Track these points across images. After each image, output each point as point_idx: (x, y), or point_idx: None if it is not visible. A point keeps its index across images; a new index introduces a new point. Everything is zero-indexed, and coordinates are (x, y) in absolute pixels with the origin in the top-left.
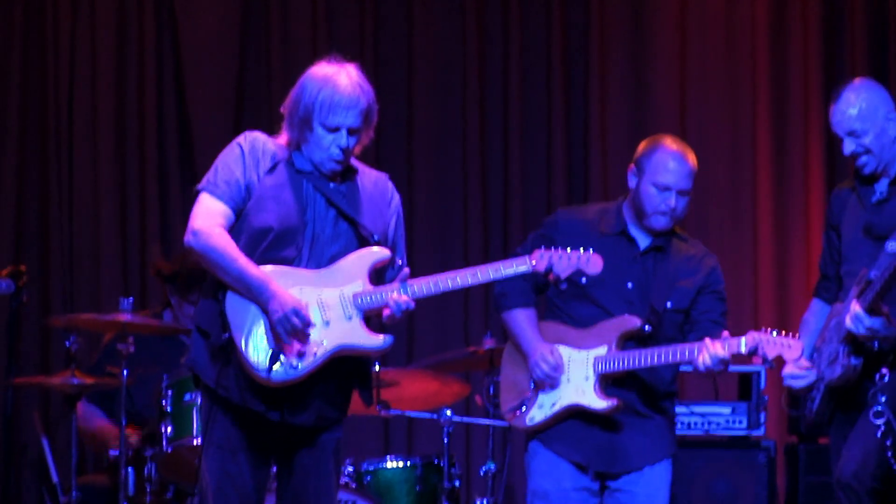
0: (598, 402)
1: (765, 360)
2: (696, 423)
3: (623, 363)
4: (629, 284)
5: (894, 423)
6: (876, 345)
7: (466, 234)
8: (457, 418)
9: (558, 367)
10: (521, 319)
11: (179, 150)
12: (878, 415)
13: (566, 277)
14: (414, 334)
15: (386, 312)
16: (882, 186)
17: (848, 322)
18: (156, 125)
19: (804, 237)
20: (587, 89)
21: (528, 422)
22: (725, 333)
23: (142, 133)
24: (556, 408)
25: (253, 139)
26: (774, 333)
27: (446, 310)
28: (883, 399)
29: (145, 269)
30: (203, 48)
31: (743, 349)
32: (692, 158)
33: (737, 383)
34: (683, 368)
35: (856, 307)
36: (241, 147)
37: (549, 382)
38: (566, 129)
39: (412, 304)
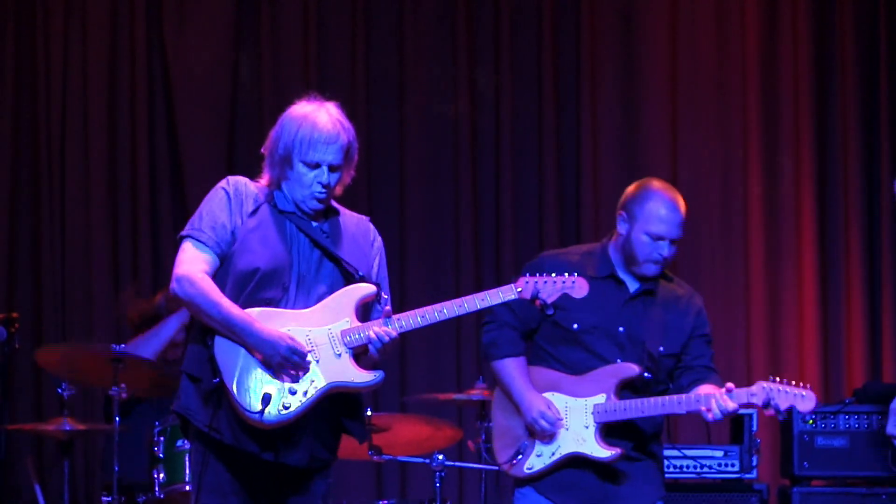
0: (602, 452)
1: (778, 412)
2: (688, 467)
3: (625, 412)
4: (620, 329)
5: None
6: None
7: (458, 270)
8: (449, 463)
9: (557, 422)
10: (512, 369)
11: (171, 189)
12: None
13: (553, 302)
14: (406, 380)
15: (369, 342)
16: None
17: None
18: (148, 164)
19: (796, 274)
20: (578, 125)
21: (526, 470)
22: (730, 385)
23: (134, 172)
24: (556, 457)
25: (235, 182)
26: (783, 384)
27: (438, 355)
28: None
29: None
30: (195, 88)
31: (757, 402)
32: (683, 206)
33: (729, 426)
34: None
35: None
36: (225, 191)
37: (548, 436)
38: (557, 165)
39: (395, 335)
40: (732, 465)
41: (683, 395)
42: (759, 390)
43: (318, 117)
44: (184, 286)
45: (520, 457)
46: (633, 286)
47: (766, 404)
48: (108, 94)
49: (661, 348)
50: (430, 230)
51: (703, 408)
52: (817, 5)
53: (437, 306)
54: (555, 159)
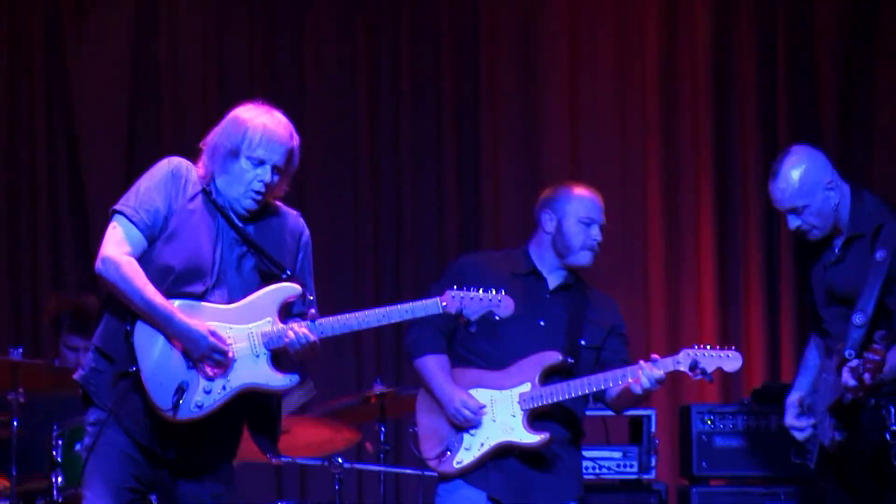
0: (529, 437)
1: (704, 374)
2: (587, 467)
3: (551, 395)
4: (541, 322)
5: None
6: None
7: (356, 278)
8: (348, 464)
9: (479, 410)
10: (433, 366)
11: (70, 195)
12: None
13: (476, 319)
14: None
15: (287, 342)
16: (836, 246)
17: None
18: (46, 169)
19: (695, 278)
20: (478, 133)
21: (455, 465)
22: (655, 355)
23: (33, 179)
24: (485, 448)
25: (178, 165)
26: (709, 347)
27: (338, 356)
28: None
29: (38, 318)
30: (94, 95)
31: (683, 368)
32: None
33: (627, 426)
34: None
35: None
36: (165, 171)
37: (471, 425)
38: (458, 175)
39: (315, 339)
40: (631, 466)
41: (609, 372)
42: (685, 357)
43: (271, 117)
44: (109, 269)
45: (448, 453)
46: (553, 282)
47: (693, 367)
48: (6, 93)
49: (583, 340)
50: (330, 241)
51: (632, 379)
52: (717, 15)
53: (360, 314)
54: (455, 170)
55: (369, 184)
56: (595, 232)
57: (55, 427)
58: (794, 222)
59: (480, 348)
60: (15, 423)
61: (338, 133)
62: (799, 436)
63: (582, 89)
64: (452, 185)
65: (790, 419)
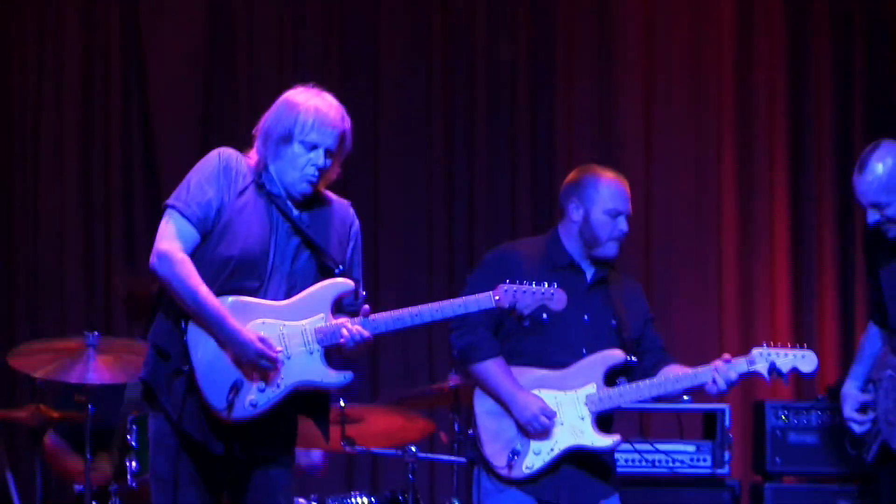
0: (602, 441)
1: (780, 375)
2: (660, 462)
3: (621, 398)
4: (585, 317)
5: None
6: None
7: (430, 266)
8: (421, 455)
9: (553, 416)
10: (496, 371)
11: (145, 174)
12: None
13: (529, 314)
14: (379, 371)
15: (342, 342)
16: None
17: None
18: (120, 147)
19: (769, 274)
20: (553, 123)
21: (525, 470)
22: (727, 355)
23: (107, 159)
24: (556, 452)
25: (228, 157)
26: (779, 347)
27: (410, 346)
28: None
29: (110, 300)
30: (169, 72)
31: (759, 369)
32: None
33: (701, 422)
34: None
35: None
36: (216, 165)
37: (545, 435)
38: (532, 163)
39: (369, 337)
40: (704, 461)
41: (681, 373)
42: (759, 358)
43: (323, 100)
44: (164, 265)
45: (516, 458)
46: (589, 274)
47: (771, 371)
48: (82, 78)
49: (632, 334)
50: (404, 227)
51: (707, 382)
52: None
53: (413, 309)
54: (529, 157)
55: (441, 162)
56: (622, 223)
57: (130, 413)
58: (873, 217)
59: (527, 346)
60: (91, 409)
61: (411, 115)
62: (858, 430)
63: (658, 70)
64: (526, 180)
65: (849, 411)
